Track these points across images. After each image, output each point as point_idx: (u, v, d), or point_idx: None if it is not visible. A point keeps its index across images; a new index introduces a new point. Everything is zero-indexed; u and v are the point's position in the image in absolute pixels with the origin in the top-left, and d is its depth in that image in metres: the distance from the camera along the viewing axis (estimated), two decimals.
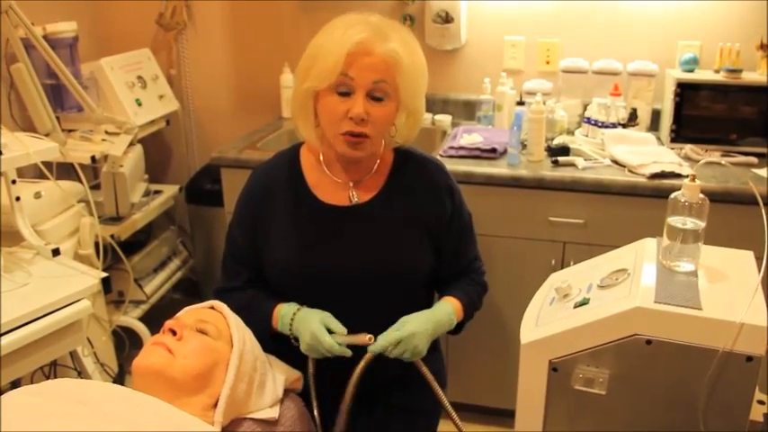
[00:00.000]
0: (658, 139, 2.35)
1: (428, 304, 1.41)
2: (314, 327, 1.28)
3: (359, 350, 1.29)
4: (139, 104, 2.58)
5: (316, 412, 1.37)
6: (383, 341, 1.28)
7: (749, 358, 1.09)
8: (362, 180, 1.37)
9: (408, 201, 1.37)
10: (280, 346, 1.38)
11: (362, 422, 1.36)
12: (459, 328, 1.43)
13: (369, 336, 1.28)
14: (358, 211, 1.35)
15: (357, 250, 1.34)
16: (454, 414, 1.37)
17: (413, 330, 1.29)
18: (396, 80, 1.24)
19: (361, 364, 1.29)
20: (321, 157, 1.37)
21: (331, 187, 1.37)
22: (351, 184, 1.36)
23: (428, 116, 2.56)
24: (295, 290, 1.36)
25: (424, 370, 1.35)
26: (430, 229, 1.38)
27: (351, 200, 1.36)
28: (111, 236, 2.25)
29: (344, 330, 1.29)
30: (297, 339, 1.33)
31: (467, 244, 1.45)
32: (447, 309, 1.37)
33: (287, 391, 1.33)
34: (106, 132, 2.45)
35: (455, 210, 1.40)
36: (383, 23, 1.26)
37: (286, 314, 1.33)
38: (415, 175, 1.39)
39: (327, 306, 1.32)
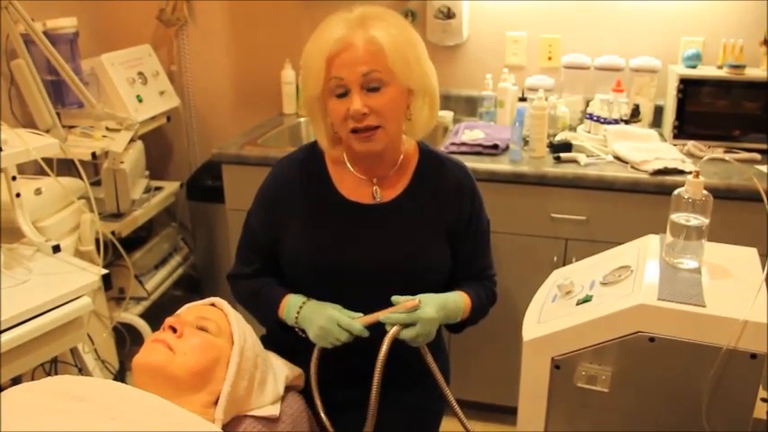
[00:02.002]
0: (661, 135, 2.35)
1: None
2: (329, 311, 1.28)
3: (365, 341, 1.27)
4: (140, 101, 2.57)
5: (320, 406, 1.35)
6: (402, 316, 1.26)
7: (753, 356, 1.09)
8: (387, 176, 1.36)
9: (431, 201, 1.36)
10: (281, 343, 1.38)
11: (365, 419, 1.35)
12: (460, 327, 1.42)
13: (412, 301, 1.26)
14: (381, 210, 1.35)
15: (376, 249, 1.33)
16: (458, 408, 1.35)
17: (432, 316, 1.27)
18: (387, 65, 1.21)
19: (385, 345, 1.25)
20: (344, 155, 1.36)
21: (354, 184, 1.36)
22: (374, 181, 1.35)
23: None
24: (311, 283, 1.35)
25: (429, 359, 1.34)
26: (449, 230, 1.37)
27: (374, 197, 1.35)
28: (112, 232, 2.24)
29: (359, 316, 1.29)
30: (303, 331, 1.33)
31: (482, 250, 1.44)
32: (458, 301, 1.36)
33: (288, 389, 1.32)
34: (107, 129, 2.45)
35: (475, 214, 1.40)
36: (362, 14, 1.23)
37: (293, 304, 1.33)
38: (439, 176, 1.38)
39: (342, 302, 1.31)
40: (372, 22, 1.22)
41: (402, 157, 1.37)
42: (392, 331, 1.26)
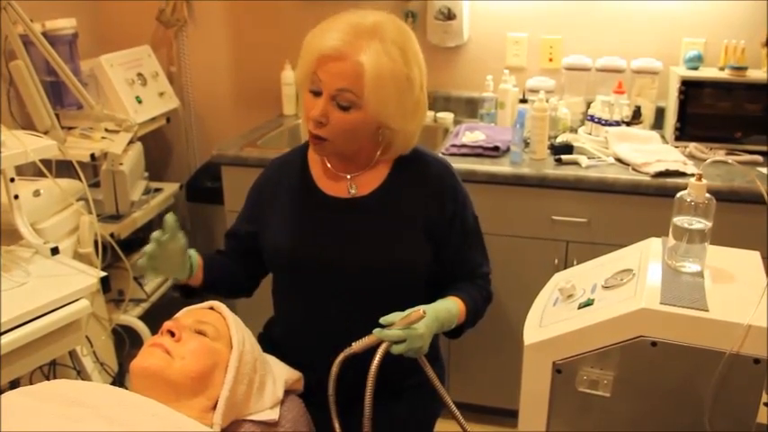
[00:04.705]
0: (662, 137, 2.34)
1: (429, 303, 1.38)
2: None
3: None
4: (139, 102, 2.57)
5: (334, 416, 1.33)
6: (394, 333, 1.24)
7: (756, 361, 1.08)
8: (363, 173, 1.37)
9: (408, 197, 1.36)
10: (279, 346, 1.37)
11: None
12: (458, 332, 1.41)
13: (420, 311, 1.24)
14: (356, 204, 1.36)
15: (352, 242, 1.34)
16: (456, 411, 1.34)
17: (421, 332, 1.26)
18: (362, 91, 1.21)
19: (377, 357, 1.24)
20: None
21: (332, 179, 1.38)
22: (348, 177, 1.37)
23: (430, 114, 2.54)
24: (291, 278, 1.39)
25: (428, 369, 1.33)
26: (428, 228, 1.36)
27: (349, 192, 1.36)
28: (111, 234, 2.23)
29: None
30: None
31: (471, 248, 1.43)
32: (451, 308, 1.35)
33: (287, 393, 1.31)
34: (106, 130, 2.44)
35: (458, 212, 1.38)
36: (369, 28, 1.21)
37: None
38: (417, 173, 1.38)
39: (323, 297, 1.34)
40: (372, 43, 1.20)
41: (379, 153, 1.36)
42: (383, 346, 1.25)
